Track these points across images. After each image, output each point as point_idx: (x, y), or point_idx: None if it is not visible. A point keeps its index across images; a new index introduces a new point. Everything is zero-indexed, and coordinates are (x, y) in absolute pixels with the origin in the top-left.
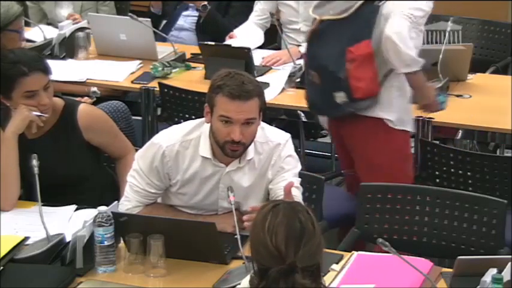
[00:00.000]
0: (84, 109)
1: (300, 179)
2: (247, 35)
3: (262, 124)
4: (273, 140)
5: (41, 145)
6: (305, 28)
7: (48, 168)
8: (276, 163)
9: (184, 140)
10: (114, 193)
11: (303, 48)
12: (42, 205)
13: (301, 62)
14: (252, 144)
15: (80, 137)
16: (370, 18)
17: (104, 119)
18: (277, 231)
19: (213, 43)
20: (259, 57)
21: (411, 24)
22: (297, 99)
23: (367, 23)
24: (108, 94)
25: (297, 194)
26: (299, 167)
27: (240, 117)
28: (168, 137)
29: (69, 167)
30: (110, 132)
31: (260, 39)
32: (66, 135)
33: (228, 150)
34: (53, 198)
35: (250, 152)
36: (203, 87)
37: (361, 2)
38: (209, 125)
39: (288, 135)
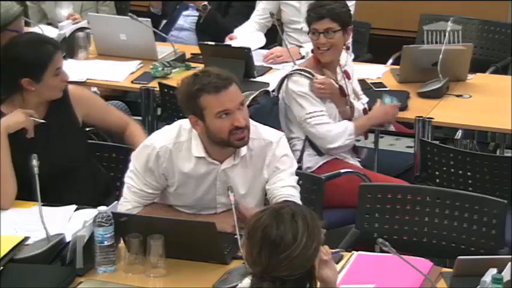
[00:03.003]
0: (74, 87)
1: (296, 178)
2: (248, 36)
3: (255, 122)
4: (265, 137)
5: (37, 133)
6: (307, 28)
7: (46, 155)
8: (271, 163)
9: (177, 142)
10: (107, 192)
11: (303, 50)
12: (42, 205)
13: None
14: None
15: (74, 118)
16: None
17: (93, 95)
18: (254, 235)
19: (213, 43)
20: (259, 57)
21: None
22: None
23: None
24: (108, 94)
25: (294, 193)
26: (295, 166)
27: (235, 103)
28: (161, 139)
29: (64, 154)
30: (101, 105)
31: (261, 41)
32: (60, 117)
33: (236, 141)
34: (52, 187)
35: (243, 148)
36: None
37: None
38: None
39: (281, 133)
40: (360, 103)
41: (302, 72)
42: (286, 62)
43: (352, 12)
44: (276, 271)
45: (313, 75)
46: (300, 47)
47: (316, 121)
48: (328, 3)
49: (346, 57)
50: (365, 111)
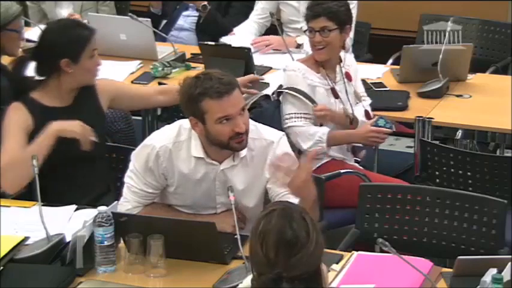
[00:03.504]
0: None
1: None
2: (247, 36)
3: (255, 123)
4: (266, 137)
5: (68, 114)
6: (306, 27)
7: (70, 141)
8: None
9: (177, 141)
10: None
11: (300, 39)
12: (42, 205)
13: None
14: None
15: (100, 109)
16: None
17: (112, 80)
18: (268, 238)
19: (213, 43)
20: (259, 57)
21: None
22: None
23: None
24: None
25: None
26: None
27: (236, 109)
28: (161, 138)
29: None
30: (122, 84)
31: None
32: (87, 107)
33: (235, 145)
34: (54, 185)
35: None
36: None
37: None
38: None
39: (282, 133)
40: (361, 106)
41: (299, 96)
42: (278, 50)
43: (354, 12)
44: (294, 270)
45: (313, 102)
46: (297, 36)
47: (290, 123)
48: (325, 2)
49: (344, 56)
50: (367, 114)
